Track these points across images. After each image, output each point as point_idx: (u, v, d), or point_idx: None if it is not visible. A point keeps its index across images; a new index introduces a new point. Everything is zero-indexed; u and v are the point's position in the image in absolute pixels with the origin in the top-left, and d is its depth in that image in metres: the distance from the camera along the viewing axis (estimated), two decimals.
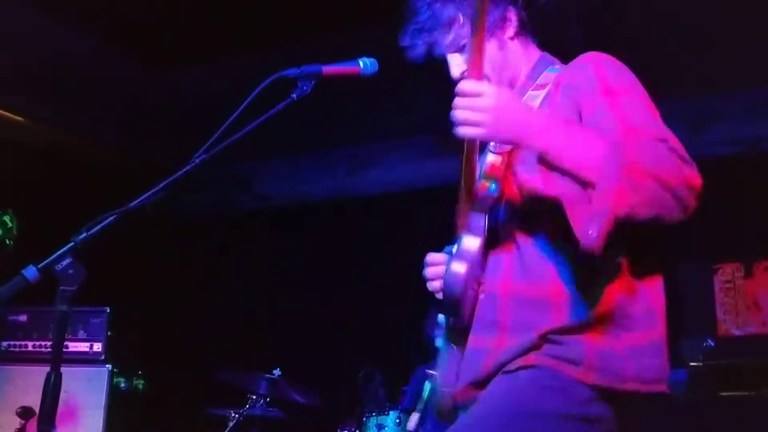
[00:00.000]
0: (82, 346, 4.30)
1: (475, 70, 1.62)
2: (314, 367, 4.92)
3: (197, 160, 1.71)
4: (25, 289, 1.55)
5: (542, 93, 1.80)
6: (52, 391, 1.55)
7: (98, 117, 5.49)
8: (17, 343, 4.38)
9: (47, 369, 1.56)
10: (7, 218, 2.63)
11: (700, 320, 4.54)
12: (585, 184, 1.51)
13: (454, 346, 1.76)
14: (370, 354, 4.67)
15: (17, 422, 3.98)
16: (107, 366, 4.26)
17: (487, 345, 1.69)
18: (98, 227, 1.62)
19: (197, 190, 6.26)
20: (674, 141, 1.56)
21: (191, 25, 4.36)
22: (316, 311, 5.77)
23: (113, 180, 5.23)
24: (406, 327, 4.27)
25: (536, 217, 1.68)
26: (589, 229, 1.46)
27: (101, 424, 4.14)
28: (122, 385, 4.32)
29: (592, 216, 1.47)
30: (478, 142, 1.75)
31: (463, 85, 1.58)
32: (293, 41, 4.30)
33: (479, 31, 1.60)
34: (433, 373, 1.86)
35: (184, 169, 1.70)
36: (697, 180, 1.52)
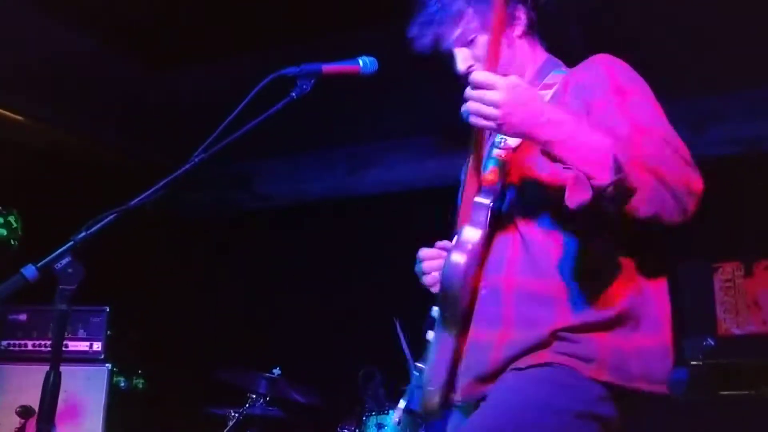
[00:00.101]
0: (82, 345, 4.30)
1: (490, 62, 1.63)
2: (314, 367, 4.92)
3: (197, 159, 1.71)
4: (24, 288, 1.55)
5: (549, 93, 1.80)
6: (51, 390, 1.55)
7: (98, 117, 5.49)
8: (17, 342, 4.39)
9: (47, 368, 1.57)
10: (12, 219, 2.65)
11: (700, 319, 4.54)
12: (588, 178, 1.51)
13: (449, 336, 1.73)
14: (370, 354, 4.67)
15: (17, 421, 3.98)
16: (107, 365, 4.26)
17: (490, 339, 1.68)
18: (98, 226, 1.62)
19: (197, 188, 6.26)
20: (680, 144, 1.57)
21: (191, 25, 4.35)
22: (316, 310, 5.77)
23: (113, 180, 5.23)
24: (406, 327, 4.27)
25: (542, 211, 1.68)
26: (578, 185, 1.47)
27: (101, 424, 4.15)
28: (122, 384, 4.32)
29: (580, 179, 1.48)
30: (487, 133, 1.74)
31: (477, 76, 1.57)
32: (293, 41, 4.29)
33: (496, 24, 1.63)
34: (422, 366, 1.83)
35: (184, 168, 1.71)
36: (698, 185, 1.54)
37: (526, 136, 1.59)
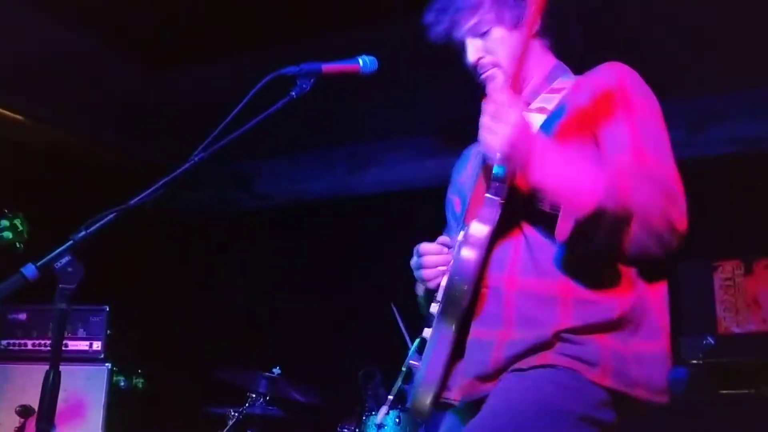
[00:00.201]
0: (82, 345, 4.30)
1: (519, 61, 1.68)
2: (314, 366, 4.92)
3: (196, 158, 1.71)
4: (24, 288, 1.54)
5: (557, 97, 1.81)
6: (51, 389, 1.55)
7: (98, 117, 5.49)
8: (16, 341, 4.38)
9: (46, 367, 1.56)
10: (18, 222, 2.65)
11: (699, 318, 4.52)
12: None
13: (448, 333, 1.72)
14: (370, 353, 4.67)
15: (17, 421, 3.98)
16: (107, 364, 4.26)
17: (491, 337, 1.68)
18: (97, 225, 1.62)
19: (197, 188, 6.26)
20: (670, 175, 1.63)
21: (191, 25, 4.35)
22: (316, 310, 5.76)
23: (113, 180, 5.23)
24: (405, 326, 4.27)
25: (545, 214, 1.68)
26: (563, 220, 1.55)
27: (101, 423, 4.14)
28: (122, 383, 4.32)
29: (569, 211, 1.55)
30: None
31: (497, 96, 1.60)
32: (293, 41, 4.29)
33: (530, 21, 1.67)
34: (416, 364, 1.81)
35: (184, 167, 1.71)
36: (682, 225, 1.58)
37: (520, 168, 1.63)
